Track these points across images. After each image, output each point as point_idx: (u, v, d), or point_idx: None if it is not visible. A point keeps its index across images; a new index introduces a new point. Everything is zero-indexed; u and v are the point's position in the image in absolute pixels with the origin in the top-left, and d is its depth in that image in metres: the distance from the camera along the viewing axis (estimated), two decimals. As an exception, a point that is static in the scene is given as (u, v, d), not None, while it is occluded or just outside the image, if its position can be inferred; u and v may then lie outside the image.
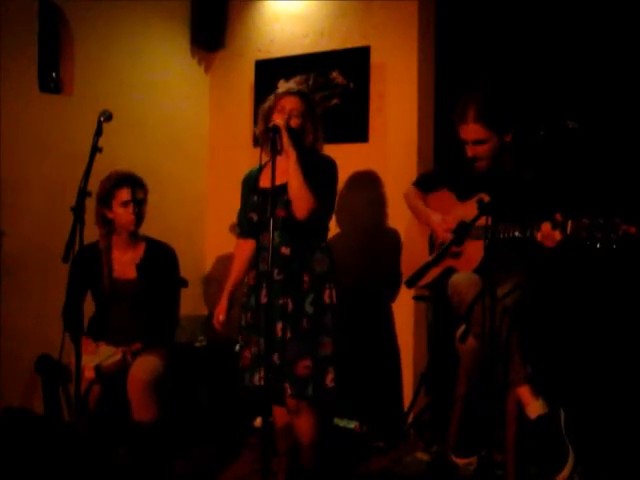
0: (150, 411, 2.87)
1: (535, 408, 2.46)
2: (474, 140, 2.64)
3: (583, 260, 2.65)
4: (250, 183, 2.90)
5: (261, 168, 2.78)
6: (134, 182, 3.06)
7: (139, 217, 3.08)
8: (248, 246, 2.93)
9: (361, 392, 3.62)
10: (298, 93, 2.80)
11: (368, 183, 3.79)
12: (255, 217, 2.81)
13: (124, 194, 3.03)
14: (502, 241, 2.46)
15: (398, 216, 3.66)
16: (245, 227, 2.93)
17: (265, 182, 2.60)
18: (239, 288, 2.97)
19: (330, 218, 2.89)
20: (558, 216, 2.33)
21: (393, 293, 3.72)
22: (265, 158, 2.73)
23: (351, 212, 3.81)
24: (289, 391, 2.67)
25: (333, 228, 3.02)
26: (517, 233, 2.45)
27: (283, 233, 2.73)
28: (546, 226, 2.36)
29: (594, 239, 2.23)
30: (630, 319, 3.22)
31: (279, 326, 2.69)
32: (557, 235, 2.33)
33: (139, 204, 3.07)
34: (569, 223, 2.30)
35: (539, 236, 2.39)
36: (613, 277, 3.18)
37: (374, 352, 3.74)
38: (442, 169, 3.07)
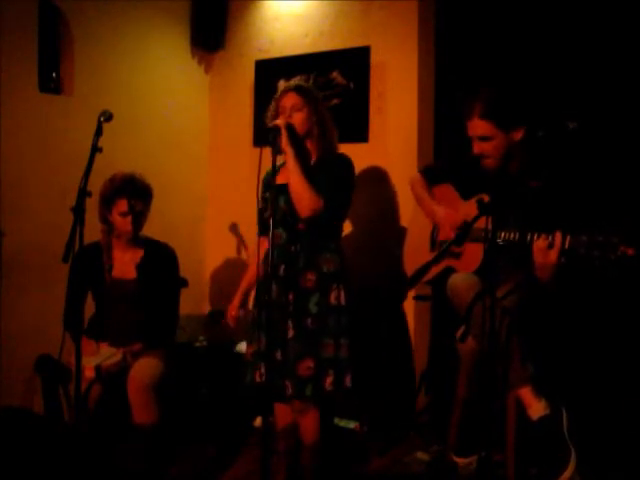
0: (150, 413, 2.86)
1: (537, 409, 2.46)
2: (480, 136, 2.62)
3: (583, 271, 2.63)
4: (267, 181, 2.89)
5: (280, 166, 2.75)
6: (134, 192, 3.04)
7: (136, 227, 3.07)
8: (265, 244, 2.93)
9: (361, 392, 3.62)
10: (294, 89, 2.79)
11: (368, 183, 3.79)
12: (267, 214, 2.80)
13: (122, 205, 3.01)
14: (502, 244, 2.45)
15: (398, 216, 3.66)
16: (261, 225, 2.92)
17: (281, 179, 2.64)
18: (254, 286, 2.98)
19: (342, 217, 2.86)
20: (557, 235, 2.29)
21: (394, 293, 3.72)
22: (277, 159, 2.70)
23: (351, 212, 3.79)
24: (289, 390, 2.66)
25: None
26: (516, 239, 2.43)
27: (289, 231, 2.74)
28: (542, 242, 2.34)
29: (592, 257, 2.21)
30: (630, 319, 3.22)
31: (285, 324, 2.69)
32: (552, 255, 2.30)
33: (138, 215, 3.06)
34: (568, 238, 2.28)
35: (535, 247, 2.36)
36: (612, 279, 3.18)
37: (374, 352, 3.74)
38: (445, 166, 3.06)
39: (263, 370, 2.65)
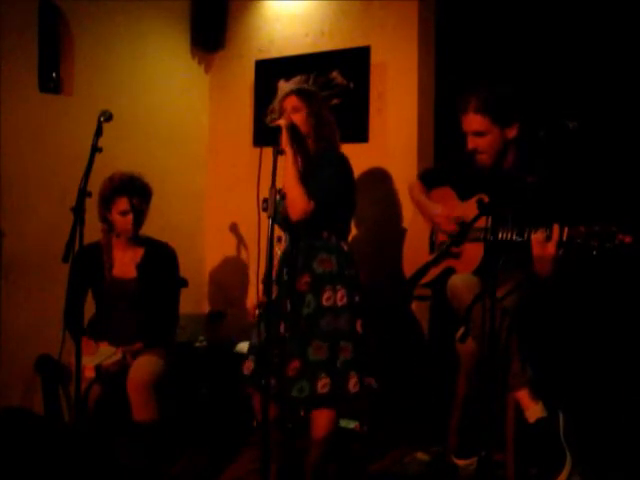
0: (150, 411, 2.87)
1: (534, 412, 2.46)
2: (474, 131, 2.62)
3: (581, 263, 2.64)
4: None
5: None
6: (134, 191, 3.04)
7: (137, 225, 3.08)
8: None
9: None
10: (294, 91, 2.81)
11: (368, 183, 3.78)
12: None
13: (122, 204, 3.01)
14: (501, 243, 2.45)
15: (399, 216, 3.65)
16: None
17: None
18: None
19: (345, 217, 2.85)
20: (555, 227, 2.30)
21: (394, 293, 3.71)
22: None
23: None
24: (275, 389, 2.63)
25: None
26: (515, 236, 2.43)
27: (290, 234, 2.76)
28: (540, 235, 2.34)
29: (589, 247, 2.22)
30: (629, 321, 3.22)
31: (282, 325, 2.69)
32: (550, 247, 2.30)
33: (138, 214, 3.06)
34: (565, 230, 2.28)
35: (533, 240, 2.37)
36: (612, 278, 3.18)
37: (374, 351, 3.74)
38: (444, 167, 3.06)
39: (250, 364, 2.69)
